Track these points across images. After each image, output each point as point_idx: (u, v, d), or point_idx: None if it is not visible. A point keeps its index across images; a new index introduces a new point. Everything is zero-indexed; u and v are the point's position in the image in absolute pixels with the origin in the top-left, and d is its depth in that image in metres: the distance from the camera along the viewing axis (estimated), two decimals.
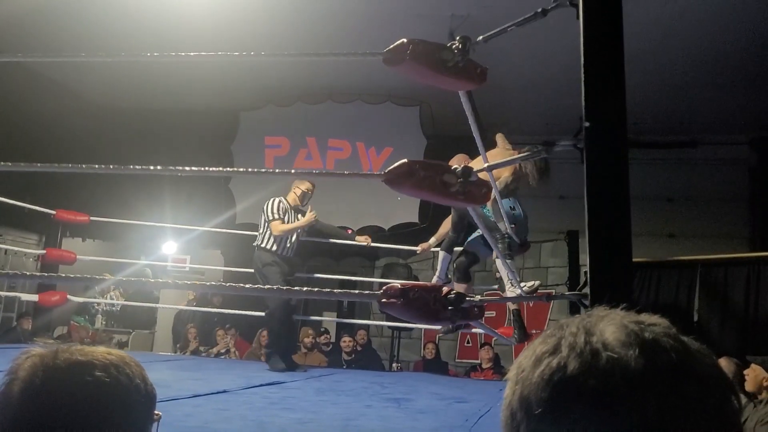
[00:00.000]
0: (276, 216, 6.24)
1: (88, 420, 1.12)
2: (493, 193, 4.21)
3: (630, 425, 0.64)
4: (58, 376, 1.14)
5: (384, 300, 2.09)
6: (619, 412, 0.65)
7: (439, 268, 5.87)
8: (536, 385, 0.69)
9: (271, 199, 6.39)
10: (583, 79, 2.07)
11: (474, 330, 8.02)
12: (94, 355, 1.18)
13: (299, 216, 6.42)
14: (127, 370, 1.19)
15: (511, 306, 5.90)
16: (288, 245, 6.33)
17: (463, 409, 4.48)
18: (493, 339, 8.75)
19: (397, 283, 2.20)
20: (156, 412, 1.25)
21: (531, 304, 9.37)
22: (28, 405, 1.13)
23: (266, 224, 6.27)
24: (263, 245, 6.26)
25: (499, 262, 5.03)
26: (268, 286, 2.28)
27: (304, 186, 6.47)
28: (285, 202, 6.40)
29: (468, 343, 10.59)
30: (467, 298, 2.18)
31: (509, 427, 0.73)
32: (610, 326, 0.70)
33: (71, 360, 1.16)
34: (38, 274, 6.63)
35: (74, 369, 1.15)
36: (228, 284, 2.35)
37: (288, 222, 6.29)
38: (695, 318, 7.54)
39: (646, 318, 0.72)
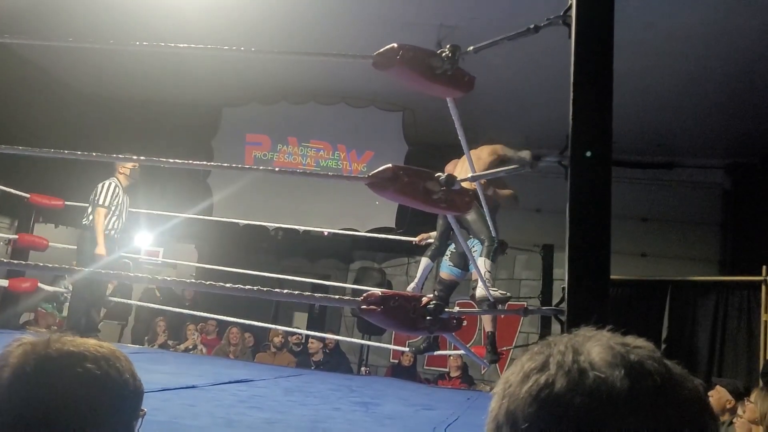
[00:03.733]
0: (104, 202, 6.29)
1: (76, 411, 1.12)
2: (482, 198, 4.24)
3: None
4: (49, 366, 1.13)
5: (364, 306, 2.09)
6: (603, 428, 0.66)
7: (418, 276, 5.85)
8: (523, 400, 0.70)
9: (107, 182, 6.41)
10: (572, 97, 2.09)
11: (444, 351, 7.98)
12: (86, 347, 1.17)
13: (126, 198, 6.53)
14: (117, 365, 1.18)
15: (487, 328, 5.91)
16: (117, 226, 6.40)
17: (430, 417, 4.49)
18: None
19: (377, 290, 2.20)
20: (142, 408, 1.24)
21: (502, 315, 9.40)
22: (17, 392, 1.12)
23: (93, 205, 6.31)
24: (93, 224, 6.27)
25: (480, 261, 5.02)
26: (248, 287, 2.27)
27: (130, 164, 6.49)
28: (119, 186, 6.44)
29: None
30: (447, 310, 2.19)
31: None
32: (597, 347, 0.72)
33: (63, 350, 1.15)
34: (15, 261, 6.52)
35: (65, 359, 1.14)
36: (208, 282, 2.33)
37: (117, 208, 6.37)
38: (663, 337, 7.63)
39: (632, 340, 0.74)
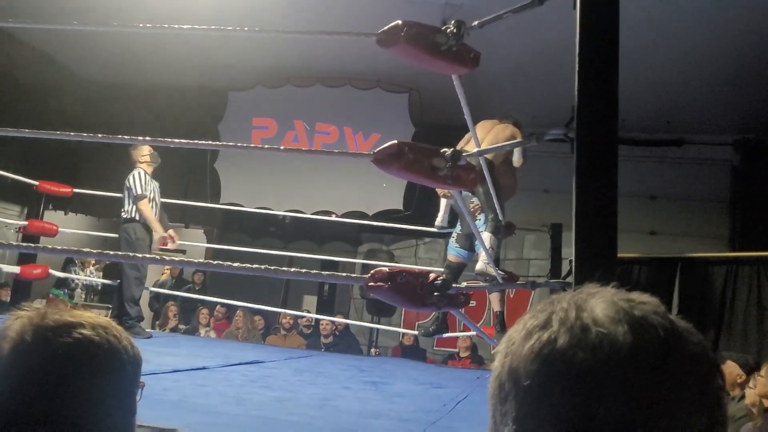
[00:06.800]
0: (143, 192, 6.36)
1: (77, 376, 1.12)
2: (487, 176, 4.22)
3: (615, 399, 0.65)
4: (48, 334, 1.14)
5: (371, 283, 2.09)
6: (606, 386, 0.66)
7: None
8: (526, 357, 0.70)
9: (135, 173, 6.46)
10: (577, 69, 2.07)
11: (454, 333, 7.98)
12: (82, 317, 1.18)
13: (155, 184, 6.58)
14: (115, 332, 1.19)
15: (495, 308, 5.90)
16: (154, 211, 6.46)
17: (440, 395, 4.51)
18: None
19: (384, 266, 2.20)
20: (141, 380, 1.25)
21: (511, 296, 9.40)
22: (18, 362, 1.13)
23: (132, 198, 6.36)
24: (135, 216, 6.35)
25: (486, 237, 5.00)
26: (256, 266, 2.28)
27: (146, 150, 6.54)
28: (146, 174, 6.50)
29: None
30: (455, 285, 2.19)
31: (497, 398, 0.73)
32: (601, 303, 0.71)
33: (60, 320, 1.16)
34: (24, 244, 6.56)
35: (63, 327, 1.15)
36: (216, 262, 2.35)
37: (150, 193, 6.43)
38: (673, 314, 7.60)
39: (636, 296, 0.73)
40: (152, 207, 6.42)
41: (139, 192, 6.32)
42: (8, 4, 7.68)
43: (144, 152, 6.49)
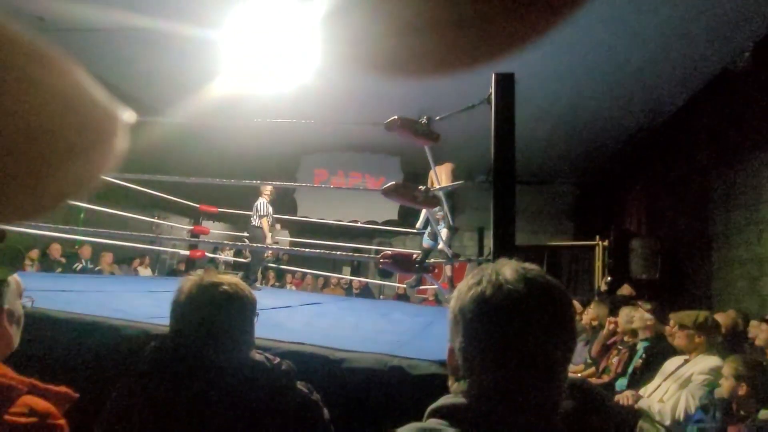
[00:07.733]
0: (264, 214, 5.92)
1: (222, 313, 1.13)
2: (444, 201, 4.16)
3: (519, 321, 0.65)
4: (205, 289, 1.15)
5: (381, 260, 2.08)
6: (513, 316, 0.65)
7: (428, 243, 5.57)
8: (468, 301, 0.69)
9: (260, 200, 5.96)
10: (493, 143, 2.07)
11: (425, 286, 7.92)
12: (223, 279, 1.19)
13: (271, 208, 6.05)
14: (242, 285, 1.20)
15: (448, 273, 5.86)
16: (270, 223, 6.06)
17: (420, 320, 4.45)
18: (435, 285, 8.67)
19: (388, 250, 2.20)
20: (257, 312, 1.25)
21: (457, 266, 9.32)
22: (190, 304, 1.13)
23: (258, 215, 5.94)
24: (260, 225, 5.92)
25: (443, 233, 4.98)
26: (317, 250, 2.27)
27: (269, 189, 6.06)
28: (266, 202, 6.00)
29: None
30: (427, 261, 2.19)
31: (452, 323, 0.73)
32: (509, 269, 0.70)
33: (212, 281, 1.17)
34: (191, 239, 6.54)
35: (215, 284, 1.16)
36: (296, 248, 2.35)
37: (267, 214, 5.96)
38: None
39: (529, 265, 0.72)
40: (268, 220, 6.00)
41: (263, 214, 5.96)
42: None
43: (267, 190, 6.15)
